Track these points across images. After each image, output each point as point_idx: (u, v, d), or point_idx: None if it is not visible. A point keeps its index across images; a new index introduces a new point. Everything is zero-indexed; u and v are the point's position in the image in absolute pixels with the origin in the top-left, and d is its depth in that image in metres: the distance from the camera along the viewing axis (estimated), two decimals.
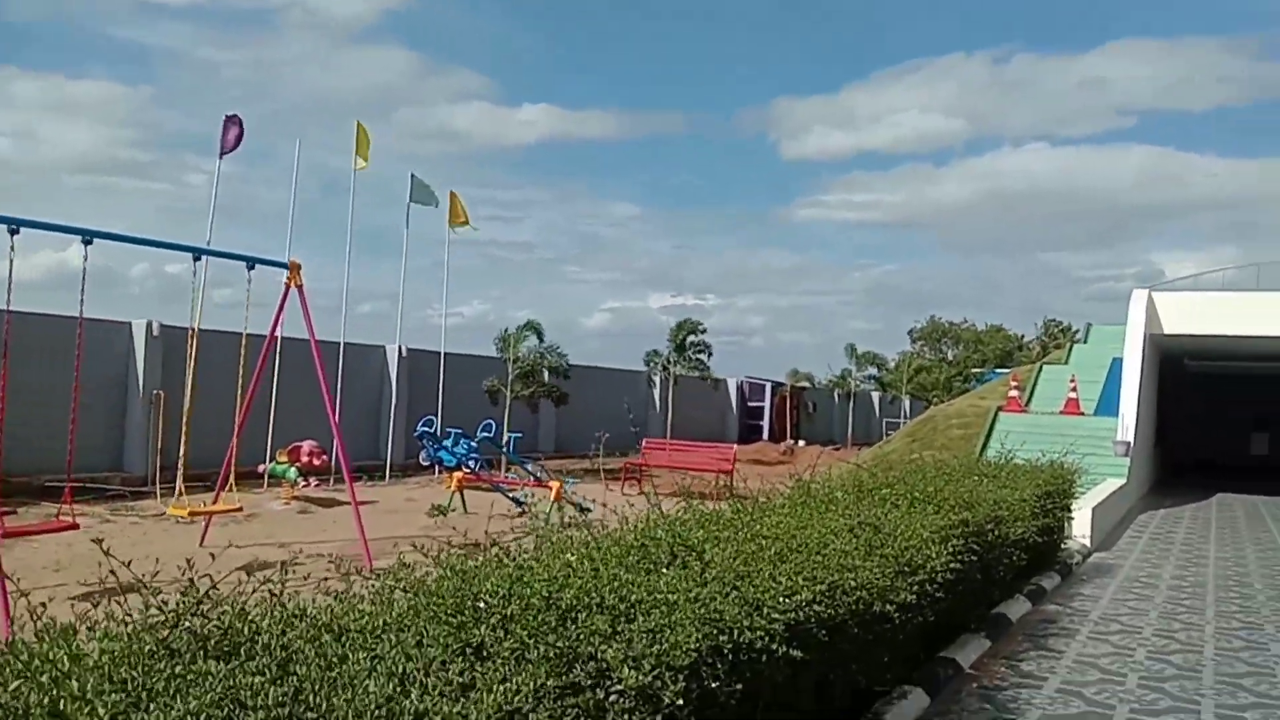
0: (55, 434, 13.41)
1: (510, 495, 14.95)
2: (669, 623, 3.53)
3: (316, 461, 16.74)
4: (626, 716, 3.21)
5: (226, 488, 12.25)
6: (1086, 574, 11.74)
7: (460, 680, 2.96)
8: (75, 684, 2.52)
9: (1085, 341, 30.09)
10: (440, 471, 18.51)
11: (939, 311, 75.31)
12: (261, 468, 17.44)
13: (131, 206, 74.78)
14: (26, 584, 4.06)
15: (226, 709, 2.56)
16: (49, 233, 9.85)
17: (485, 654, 3.38)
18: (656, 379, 33.47)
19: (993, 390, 27.46)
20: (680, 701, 3.32)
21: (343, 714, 2.62)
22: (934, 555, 5.76)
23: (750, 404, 44.44)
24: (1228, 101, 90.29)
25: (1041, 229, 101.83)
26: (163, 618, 3.12)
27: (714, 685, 3.57)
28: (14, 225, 8.75)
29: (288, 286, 11.49)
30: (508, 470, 17.39)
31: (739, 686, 3.72)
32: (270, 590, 3.64)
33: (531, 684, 2.98)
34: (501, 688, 2.91)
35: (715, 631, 3.64)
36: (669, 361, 30.16)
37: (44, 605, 3.25)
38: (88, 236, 9.54)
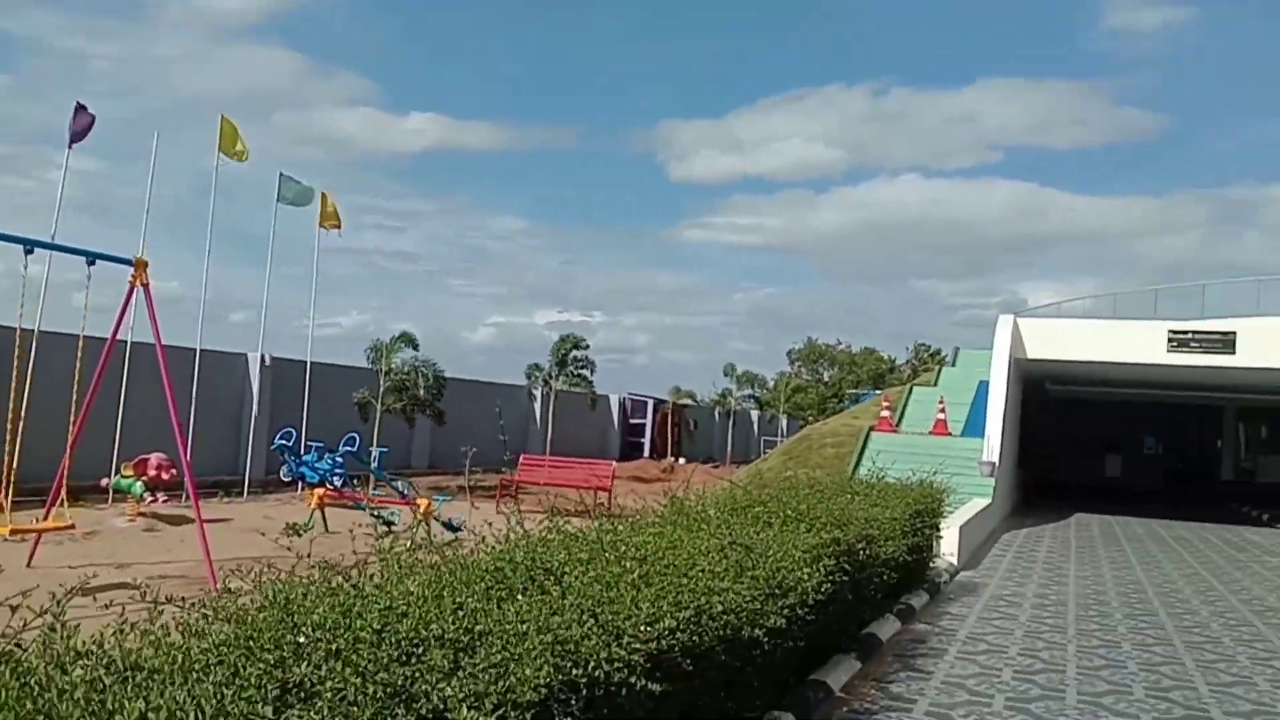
0: None
1: (375, 513, 14.29)
2: (516, 655, 3.19)
3: (165, 475, 15.68)
4: None
5: (59, 503, 11.28)
6: (954, 592, 11.88)
7: None
8: None
9: (954, 365, 31.06)
10: (304, 488, 17.65)
11: (816, 334, 77.06)
12: (105, 481, 16.28)
13: None
14: None
15: None
16: None
17: (305, 695, 2.99)
18: (537, 394, 32.95)
19: (865, 410, 27.98)
20: None
21: None
22: (805, 576, 5.57)
23: (632, 421, 44.33)
24: (1085, 142, 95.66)
25: (914, 257, 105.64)
26: None
27: None
28: None
29: (132, 285, 10.68)
30: (376, 488, 16.66)
31: None
32: (55, 620, 3.16)
33: None
34: None
35: (569, 664, 3.32)
36: (550, 376, 29.72)
37: None
38: None
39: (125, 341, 13.17)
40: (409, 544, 4.61)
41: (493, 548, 4.48)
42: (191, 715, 2.51)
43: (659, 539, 5.10)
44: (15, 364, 11.04)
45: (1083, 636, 9.51)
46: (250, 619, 3.39)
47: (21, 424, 10.98)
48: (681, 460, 38.96)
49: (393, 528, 13.91)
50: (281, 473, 16.53)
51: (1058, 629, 9.84)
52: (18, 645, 3.00)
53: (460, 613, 3.39)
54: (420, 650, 3.15)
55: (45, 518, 11.38)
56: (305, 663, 3.10)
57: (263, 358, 22.89)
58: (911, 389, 28.11)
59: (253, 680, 2.97)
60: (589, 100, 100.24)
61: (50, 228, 16.28)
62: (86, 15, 77.44)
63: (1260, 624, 10.70)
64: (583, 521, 5.98)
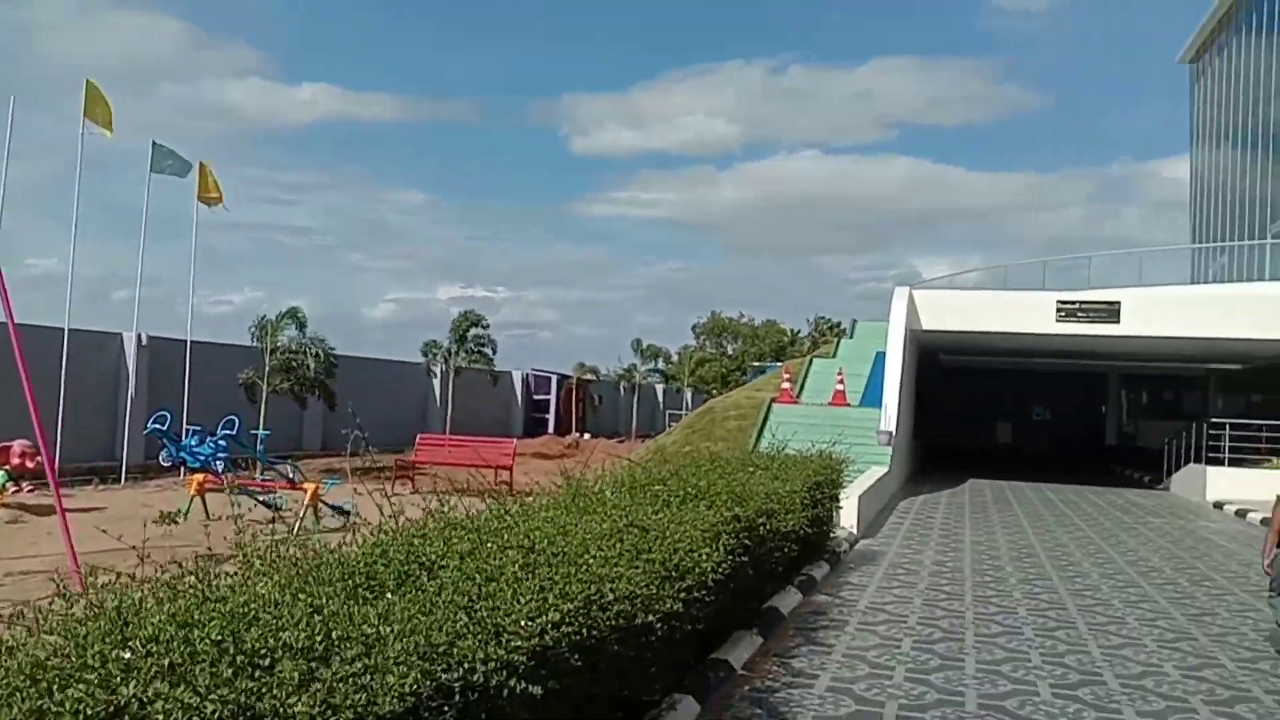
0: None
1: (260, 499, 13.64)
2: (378, 662, 2.86)
3: (30, 464, 14.69)
4: None
5: None
6: (854, 561, 11.92)
7: None
8: None
9: (851, 337, 31.49)
10: (186, 474, 16.78)
11: (720, 308, 77.51)
12: None
13: None
14: None
15: None
16: None
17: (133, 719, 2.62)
18: (437, 371, 32.17)
19: (767, 383, 28.15)
20: None
21: None
22: (704, 556, 5.35)
23: (536, 397, 43.88)
24: (976, 119, 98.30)
25: (814, 232, 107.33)
26: None
27: None
28: None
29: None
30: (263, 472, 15.94)
31: None
32: None
33: None
34: None
35: (440, 669, 3.00)
36: (449, 353, 29.01)
37: None
38: None
39: None
40: (272, 535, 4.23)
41: (364, 540, 4.12)
42: None
43: (548, 524, 4.80)
44: None
45: (980, 604, 9.59)
46: (76, 631, 2.99)
47: None
48: (586, 436, 38.73)
49: (280, 513, 13.31)
50: (161, 457, 15.64)
51: (955, 596, 9.91)
52: None
53: (317, 617, 3.04)
54: (268, 662, 2.79)
55: None
56: (134, 681, 2.72)
57: (139, 337, 21.63)
58: (811, 361, 28.37)
59: (69, 706, 2.59)
60: (489, 71, 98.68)
61: None
62: None
63: (1145, 584, 11.00)
64: (480, 503, 5.66)
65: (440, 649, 3.04)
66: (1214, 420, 23.38)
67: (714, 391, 46.03)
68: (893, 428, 20.44)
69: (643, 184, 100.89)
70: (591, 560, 4.21)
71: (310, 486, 13.12)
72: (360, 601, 3.33)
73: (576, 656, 3.61)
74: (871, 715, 6.10)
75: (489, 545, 4.05)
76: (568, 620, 3.57)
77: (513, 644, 3.26)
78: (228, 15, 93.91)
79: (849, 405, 22.74)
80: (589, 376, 46.67)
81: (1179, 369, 34.18)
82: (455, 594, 3.39)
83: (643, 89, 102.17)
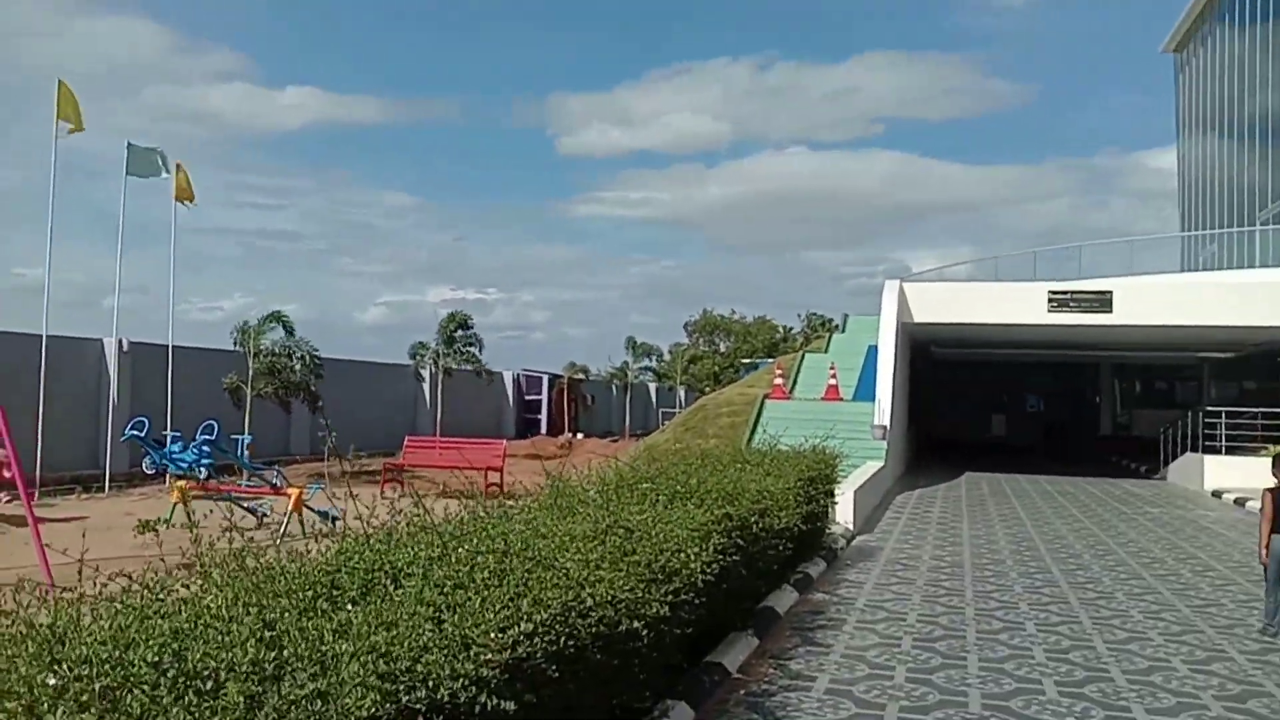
0: None
1: (245, 505, 13.36)
2: (333, 684, 2.61)
3: (6, 473, 14.34)
4: None
5: None
6: (851, 558, 11.69)
7: None
8: None
9: (843, 331, 31.27)
10: (171, 480, 16.48)
11: (712, 305, 77.30)
12: None
13: None
14: None
15: None
16: None
17: None
18: (425, 374, 31.83)
19: (760, 379, 27.91)
20: None
21: None
22: (692, 557, 5.10)
23: (528, 397, 43.60)
24: (961, 113, 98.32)
25: (803, 228, 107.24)
26: None
27: None
28: None
29: None
30: (249, 478, 15.63)
31: None
32: None
33: None
34: None
35: (401, 689, 2.75)
36: (438, 355, 28.69)
37: None
38: None
39: None
40: (230, 543, 3.97)
41: (327, 546, 3.86)
42: None
43: (525, 526, 4.55)
44: None
45: (980, 599, 9.37)
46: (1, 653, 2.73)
47: None
48: (579, 435, 38.47)
49: (264, 519, 13.04)
50: (145, 465, 15.33)
51: (955, 592, 9.69)
52: None
53: (269, 632, 2.78)
54: (211, 685, 2.54)
55: None
56: (61, 709, 2.47)
57: (120, 343, 21.21)
58: (804, 356, 28.14)
59: None
60: (473, 72, 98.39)
61: None
62: None
63: (1148, 576, 10.79)
64: (462, 505, 5.42)
65: (403, 666, 2.78)
66: (1209, 409, 23.22)
67: (707, 389, 45.77)
68: (887, 422, 20.22)
69: (630, 183, 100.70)
70: (570, 563, 3.95)
71: (294, 492, 12.85)
72: (318, 614, 3.07)
73: (554, 667, 3.36)
74: (872, 718, 5.87)
75: (461, 550, 3.79)
76: (543, 629, 3.32)
77: (483, 657, 3.01)
78: (210, 19, 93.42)
79: (842, 400, 22.53)
80: (580, 376, 46.39)
81: (1172, 358, 34.06)
82: (420, 604, 3.14)
83: (628, 88, 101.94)
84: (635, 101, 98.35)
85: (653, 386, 53.25)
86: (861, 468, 16.42)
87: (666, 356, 54.93)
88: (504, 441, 22.71)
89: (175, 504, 13.06)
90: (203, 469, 14.40)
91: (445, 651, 2.94)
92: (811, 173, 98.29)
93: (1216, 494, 19.93)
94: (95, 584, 3.64)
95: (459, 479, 13.68)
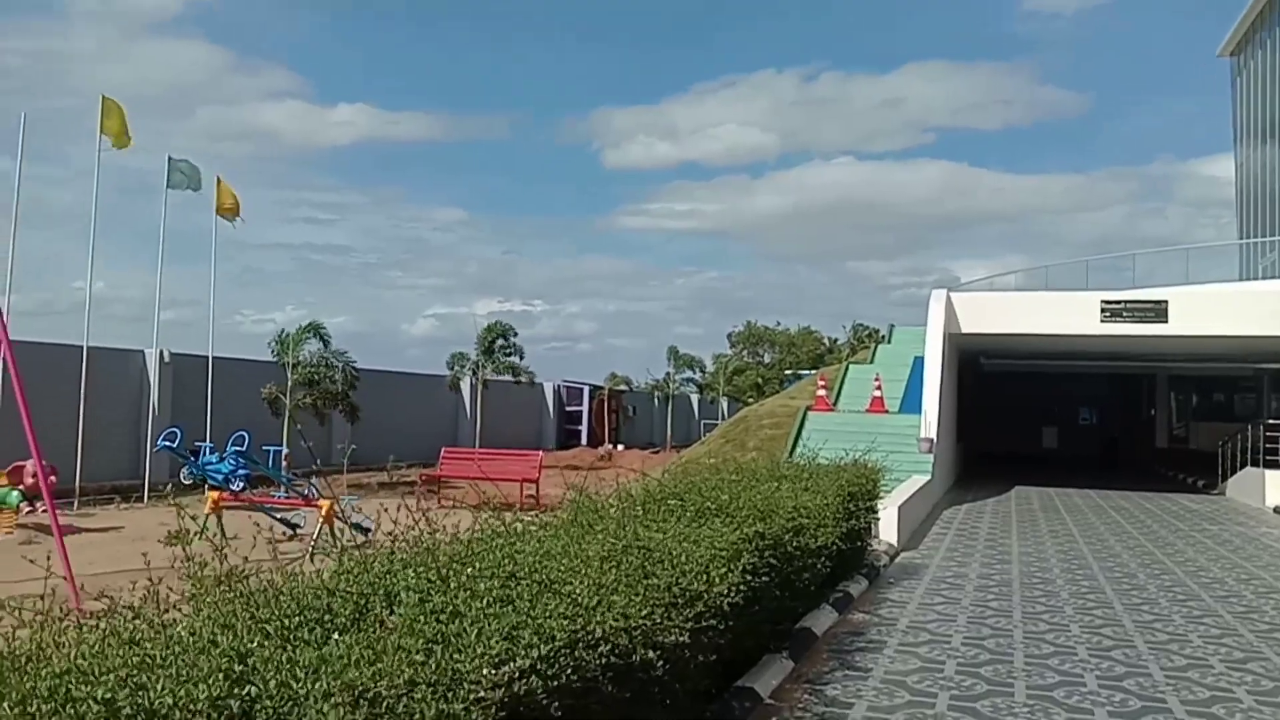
0: None
1: (279, 516, 13.28)
2: None
3: (29, 480, 14.42)
4: None
5: None
6: (894, 576, 11.30)
7: None
8: None
9: (889, 342, 30.70)
10: (209, 491, 16.49)
11: (757, 316, 76.75)
12: None
13: None
14: None
15: None
16: None
17: None
18: (466, 384, 31.78)
19: (802, 390, 27.49)
20: None
21: None
22: (717, 580, 4.81)
23: (568, 409, 43.50)
24: (1012, 122, 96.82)
25: (850, 238, 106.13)
26: None
27: None
28: None
29: None
30: (281, 490, 15.58)
31: None
32: None
33: None
34: None
35: None
36: (478, 366, 28.60)
37: None
38: None
39: None
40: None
41: (318, 571, 3.64)
42: None
43: (540, 545, 4.29)
44: None
45: (1029, 620, 8.95)
46: None
47: None
48: (620, 447, 38.26)
49: (297, 530, 12.95)
50: (182, 475, 15.37)
51: (1003, 613, 9.27)
52: None
53: (239, 666, 2.55)
54: None
55: None
56: None
57: (161, 354, 21.41)
58: (848, 367, 27.66)
59: None
60: (521, 89, 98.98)
61: None
62: None
63: (1207, 597, 10.27)
64: (472, 518, 5.20)
65: (382, 706, 2.54)
66: (1270, 422, 22.37)
67: (750, 400, 45.31)
68: (934, 434, 19.73)
69: (677, 195, 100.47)
70: (580, 588, 3.68)
71: (325, 503, 12.74)
72: (301, 644, 2.84)
73: (556, 705, 3.09)
74: None
75: (464, 574, 3.54)
76: (542, 664, 3.05)
77: (475, 695, 2.75)
78: (263, 40, 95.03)
79: (887, 412, 22.07)
80: (621, 387, 46.19)
81: (1230, 369, 32.96)
82: (409, 635, 2.89)
83: (674, 101, 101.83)
84: (681, 114, 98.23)
85: (695, 398, 52.91)
86: (907, 482, 15.99)
87: (711, 368, 54.53)
88: (540, 453, 22.52)
89: (208, 515, 13.03)
90: (239, 480, 14.36)
91: (434, 689, 2.69)
92: (860, 183, 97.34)
93: (1279, 510, 19.15)
94: (114, 598, 3.51)
95: (497, 491, 13.51)
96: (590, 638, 3.37)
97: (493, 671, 2.82)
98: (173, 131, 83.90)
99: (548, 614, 3.31)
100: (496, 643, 2.94)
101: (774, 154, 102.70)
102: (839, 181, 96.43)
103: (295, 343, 20.63)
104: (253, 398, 20.57)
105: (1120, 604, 9.80)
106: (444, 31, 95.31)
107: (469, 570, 3.57)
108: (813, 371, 38.92)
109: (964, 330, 22.68)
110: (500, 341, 28.12)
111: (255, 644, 2.74)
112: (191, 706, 2.32)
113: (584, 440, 41.12)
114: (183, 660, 2.57)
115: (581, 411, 43.28)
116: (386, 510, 5.55)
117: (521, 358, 28.97)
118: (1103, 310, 21.99)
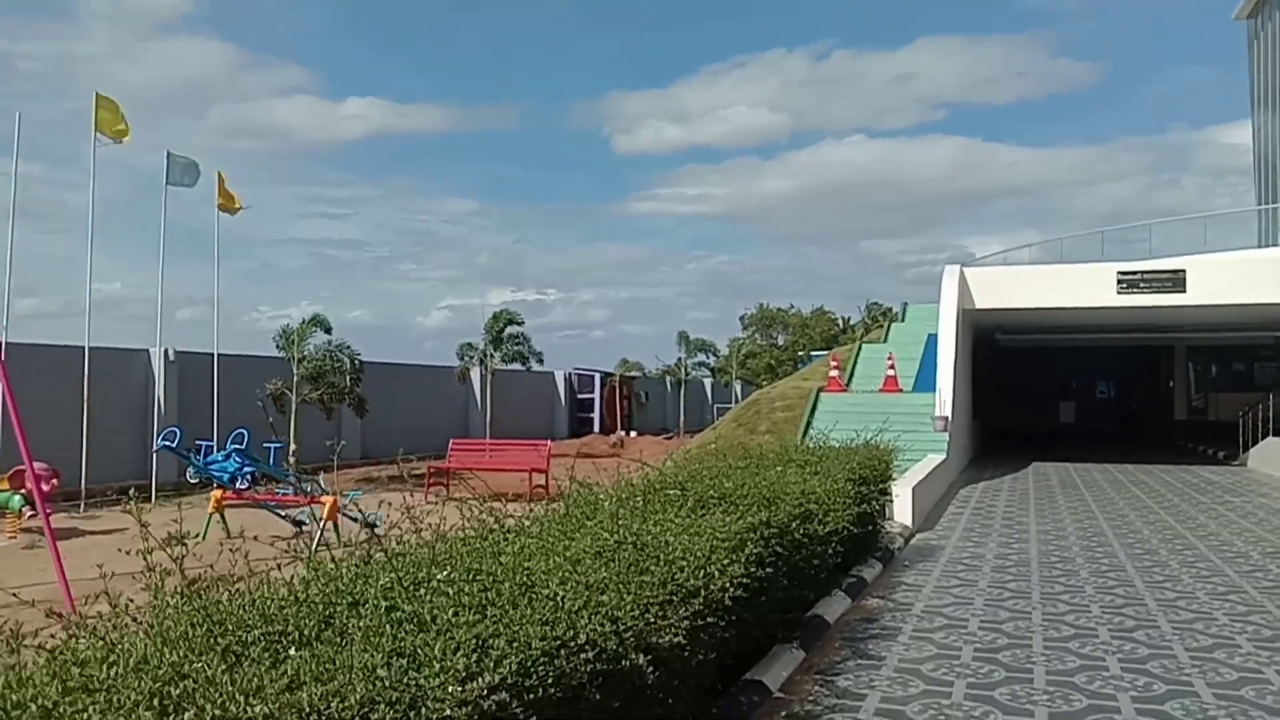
0: None
1: (283, 514, 13.13)
2: None
3: (46, 486, 14.33)
4: None
5: None
6: (909, 559, 11.05)
7: None
8: None
9: (903, 320, 30.33)
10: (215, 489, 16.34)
11: (770, 299, 76.46)
12: None
13: None
14: None
15: None
16: None
17: None
18: (475, 374, 31.58)
19: (815, 371, 27.20)
20: None
21: None
22: (718, 573, 4.58)
23: (580, 396, 43.29)
24: (1026, 95, 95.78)
25: (862, 217, 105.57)
26: None
27: None
28: None
29: None
30: (284, 487, 15.43)
31: None
32: None
33: None
34: None
35: None
36: (485, 355, 28.39)
37: None
38: None
39: None
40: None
41: (291, 577, 3.43)
42: None
43: (523, 544, 4.07)
44: None
45: (1048, 601, 8.69)
46: None
47: None
48: (632, 433, 38.05)
49: (303, 528, 12.79)
50: (188, 474, 15.25)
51: (1021, 594, 9.02)
52: None
53: (173, 690, 2.34)
54: None
55: None
56: None
57: (166, 352, 21.27)
58: (861, 347, 27.34)
59: None
60: (530, 76, 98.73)
61: None
62: (10, 15, 73.82)
63: (1232, 572, 9.98)
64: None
65: None
66: None
67: (763, 383, 45.04)
68: (949, 412, 19.42)
69: (687, 179, 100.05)
70: (563, 590, 3.45)
71: (329, 500, 12.56)
72: (249, 661, 2.62)
73: (535, 719, 2.87)
74: None
75: (440, 574, 3.32)
76: (518, 676, 2.83)
77: (440, 713, 2.53)
78: (273, 36, 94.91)
79: (901, 391, 21.77)
80: (633, 373, 45.97)
81: (1250, 338, 32.47)
82: (370, 648, 2.67)
83: (684, 84, 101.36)
84: (691, 97, 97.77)
85: (708, 382, 52.64)
86: (921, 461, 15.73)
87: (724, 351, 54.23)
88: (549, 442, 22.33)
89: (211, 514, 12.88)
90: (244, 478, 14.22)
91: (392, 708, 2.47)
92: (871, 161, 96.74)
93: None
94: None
95: (507, 480, 13.31)
96: (573, 644, 3.14)
97: (458, 688, 2.60)
98: (188, 130, 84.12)
99: (525, 620, 3.08)
100: (464, 655, 2.72)
101: (784, 134, 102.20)
102: (850, 161, 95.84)
103: (300, 336, 20.44)
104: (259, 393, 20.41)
105: (1142, 581, 9.53)
106: (452, 22, 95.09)
107: (444, 573, 3.35)
108: (826, 352, 38.64)
109: (978, 306, 22.34)
110: (509, 328, 27.88)
111: (201, 661, 2.53)
112: None
113: (596, 428, 40.91)
114: (123, 683, 2.36)
115: (593, 399, 43.07)
116: (389, 505, 5.36)
117: (530, 347, 28.73)
118: (1119, 281, 21.61)
